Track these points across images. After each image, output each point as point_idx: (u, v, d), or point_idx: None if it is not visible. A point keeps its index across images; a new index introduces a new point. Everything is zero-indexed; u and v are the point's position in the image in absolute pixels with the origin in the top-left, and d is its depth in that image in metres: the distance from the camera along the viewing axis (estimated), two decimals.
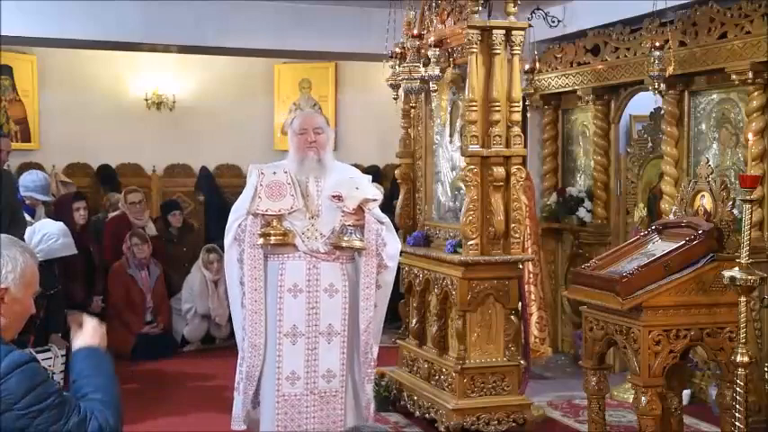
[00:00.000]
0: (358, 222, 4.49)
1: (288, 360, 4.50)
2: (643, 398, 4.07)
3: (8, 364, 2.34)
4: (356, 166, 6.22)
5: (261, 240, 4.45)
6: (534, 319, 6.12)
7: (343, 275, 4.57)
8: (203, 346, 8.29)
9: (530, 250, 5.93)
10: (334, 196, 4.48)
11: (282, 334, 4.50)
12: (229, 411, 4.65)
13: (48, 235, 6.78)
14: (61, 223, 7.00)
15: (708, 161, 4.67)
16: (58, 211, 7.56)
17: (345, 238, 4.49)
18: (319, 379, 4.54)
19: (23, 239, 6.43)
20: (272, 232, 4.44)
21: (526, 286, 6.02)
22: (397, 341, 6.34)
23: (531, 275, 6.11)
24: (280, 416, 4.49)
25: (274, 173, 4.54)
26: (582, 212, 7.68)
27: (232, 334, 8.10)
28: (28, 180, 7.22)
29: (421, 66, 5.45)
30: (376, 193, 4.61)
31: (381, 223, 4.62)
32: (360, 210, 4.48)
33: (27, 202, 7.07)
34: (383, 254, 4.60)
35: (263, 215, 4.45)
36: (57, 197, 8.28)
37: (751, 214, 3.83)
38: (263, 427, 4.56)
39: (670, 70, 6.07)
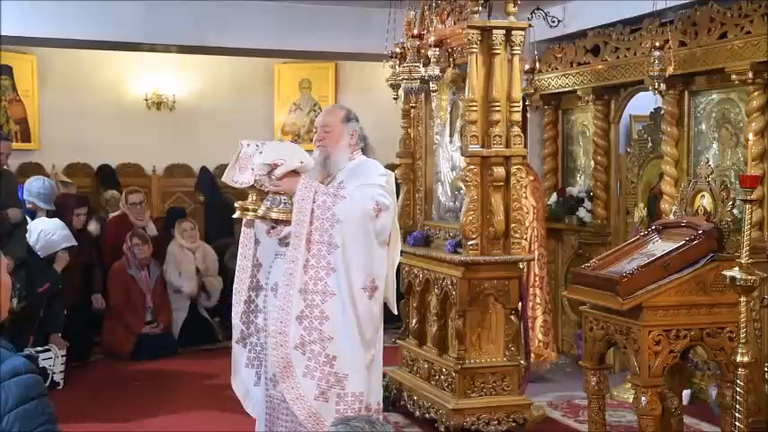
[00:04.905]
0: (282, 191, 4.07)
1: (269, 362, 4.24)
2: (643, 398, 4.07)
3: (7, 369, 2.22)
4: None
5: (237, 213, 4.19)
6: (539, 323, 6.11)
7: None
8: (203, 346, 8.29)
9: (536, 252, 5.92)
10: (268, 164, 4.05)
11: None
12: (229, 411, 4.59)
13: (44, 231, 6.81)
14: (57, 219, 7.01)
15: (708, 161, 4.67)
16: (58, 210, 7.56)
17: (264, 209, 4.07)
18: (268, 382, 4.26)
19: (24, 238, 6.46)
20: (250, 207, 4.16)
21: (531, 289, 6.01)
22: (397, 341, 6.34)
23: (537, 278, 6.09)
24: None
25: (248, 145, 4.29)
26: (582, 212, 7.68)
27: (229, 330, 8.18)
28: (34, 186, 7.24)
29: (421, 66, 5.44)
30: (306, 163, 4.11)
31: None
32: (291, 178, 4.04)
33: (29, 206, 7.09)
34: (333, 212, 4.01)
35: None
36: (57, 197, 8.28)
37: (751, 214, 3.83)
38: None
39: (670, 70, 6.07)
